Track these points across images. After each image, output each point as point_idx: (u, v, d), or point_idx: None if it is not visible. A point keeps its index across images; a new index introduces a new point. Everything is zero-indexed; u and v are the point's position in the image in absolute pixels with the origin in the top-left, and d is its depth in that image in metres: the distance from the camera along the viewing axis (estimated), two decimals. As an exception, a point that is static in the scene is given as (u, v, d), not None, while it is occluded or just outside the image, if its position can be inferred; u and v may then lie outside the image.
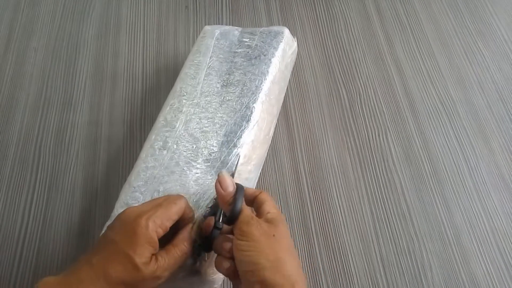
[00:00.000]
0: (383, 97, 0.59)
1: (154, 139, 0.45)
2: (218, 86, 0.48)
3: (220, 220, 0.35)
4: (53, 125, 0.58)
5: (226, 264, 0.33)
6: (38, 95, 0.61)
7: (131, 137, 0.57)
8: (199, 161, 0.42)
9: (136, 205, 0.34)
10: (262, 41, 0.51)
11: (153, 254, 0.32)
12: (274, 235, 0.31)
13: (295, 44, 0.55)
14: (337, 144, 0.56)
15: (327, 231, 0.50)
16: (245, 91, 0.47)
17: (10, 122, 0.58)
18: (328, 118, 0.58)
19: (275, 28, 0.53)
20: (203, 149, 0.43)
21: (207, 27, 0.55)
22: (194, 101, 0.47)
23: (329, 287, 0.46)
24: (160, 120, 0.47)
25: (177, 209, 0.34)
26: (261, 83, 0.47)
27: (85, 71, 0.63)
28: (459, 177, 0.53)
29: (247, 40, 0.52)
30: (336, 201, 0.52)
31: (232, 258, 0.33)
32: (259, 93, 0.46)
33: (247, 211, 0.33)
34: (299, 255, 0.48)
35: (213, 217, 0.36)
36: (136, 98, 0.60)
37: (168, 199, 0.35)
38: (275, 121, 0.53)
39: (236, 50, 0.51)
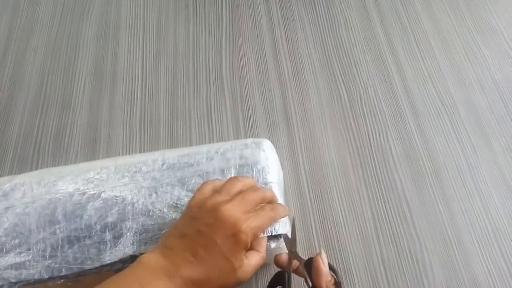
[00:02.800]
0: (384, 96, 0.59)
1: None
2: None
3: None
4: (52, 125, 0.58)
5: None
6: (38, 95, 0.60)
7: (131, 137, 0.56)
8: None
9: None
10: None
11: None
12: None
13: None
14: (338, 144, 0.56)
15: (328, 231, 0.50)
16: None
17: (9, 122, 0.58)
18: (328, 117, 0.58)
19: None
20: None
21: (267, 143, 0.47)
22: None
23: (329, 287, 0.46)
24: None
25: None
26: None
27: (84, 71, 0.63)
28: (460, 177, 0.53)
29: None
30: (337, 201, 0.52)
31: None
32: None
33: None
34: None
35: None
36: (136, 98, 0.60)
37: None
38: None
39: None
